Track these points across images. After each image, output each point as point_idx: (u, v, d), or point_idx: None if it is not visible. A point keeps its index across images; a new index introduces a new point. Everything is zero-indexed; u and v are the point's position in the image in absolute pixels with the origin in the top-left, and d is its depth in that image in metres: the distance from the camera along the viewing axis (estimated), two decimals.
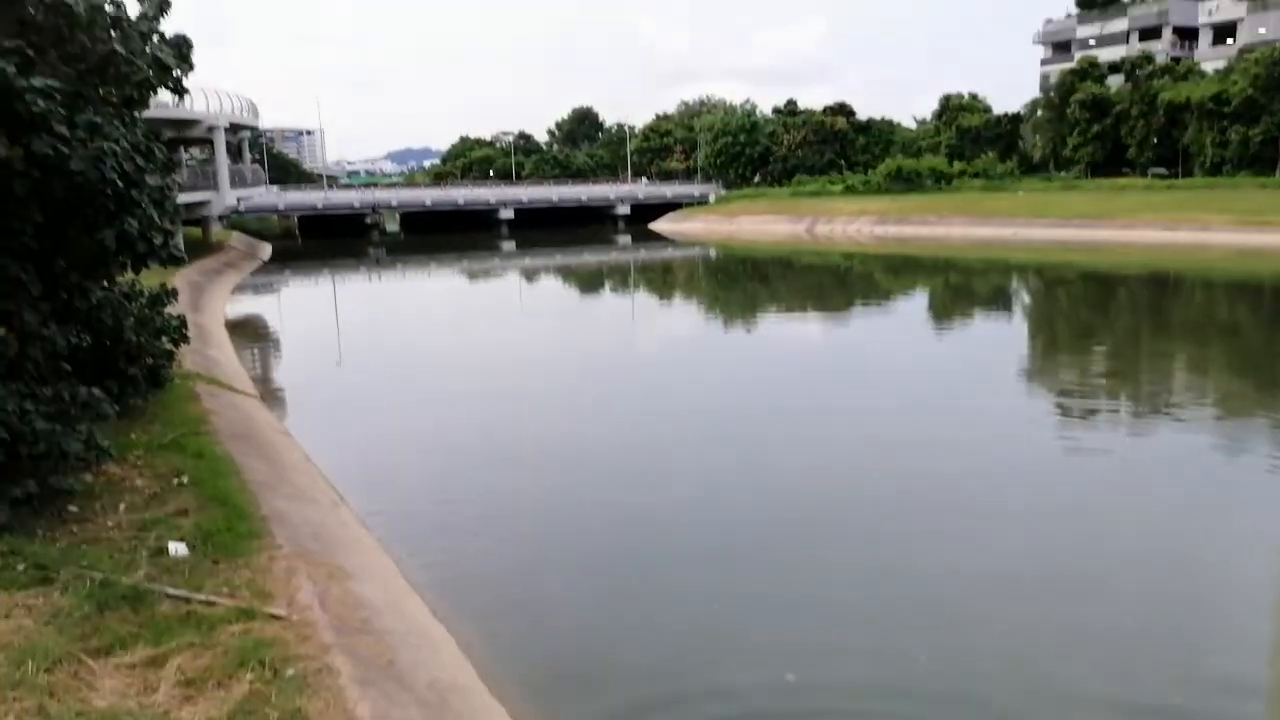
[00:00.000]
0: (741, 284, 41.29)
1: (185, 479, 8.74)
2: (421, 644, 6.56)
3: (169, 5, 9.57)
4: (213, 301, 28.75)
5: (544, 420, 15.08)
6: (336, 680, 5.18)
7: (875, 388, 17.24)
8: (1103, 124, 62.81)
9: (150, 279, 12.60)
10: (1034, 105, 71.51)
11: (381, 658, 5.83)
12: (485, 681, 6.35)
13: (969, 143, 73.32)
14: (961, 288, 37.32)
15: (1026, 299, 33.78)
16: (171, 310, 13.55)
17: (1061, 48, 78.82)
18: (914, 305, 32.44)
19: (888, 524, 9.97)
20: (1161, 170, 60.39)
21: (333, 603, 6.47)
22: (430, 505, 10.68)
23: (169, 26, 9.62)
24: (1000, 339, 24.40)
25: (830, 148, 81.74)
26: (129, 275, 10.75)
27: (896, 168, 68.96)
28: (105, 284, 10.20)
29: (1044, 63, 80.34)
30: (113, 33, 8.35)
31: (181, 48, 9.56)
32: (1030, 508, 10.38)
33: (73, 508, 7.69)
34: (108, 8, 8.51)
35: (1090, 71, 66.79)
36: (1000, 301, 32.85)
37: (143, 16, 9.29)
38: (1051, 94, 67.86)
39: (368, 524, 9.69)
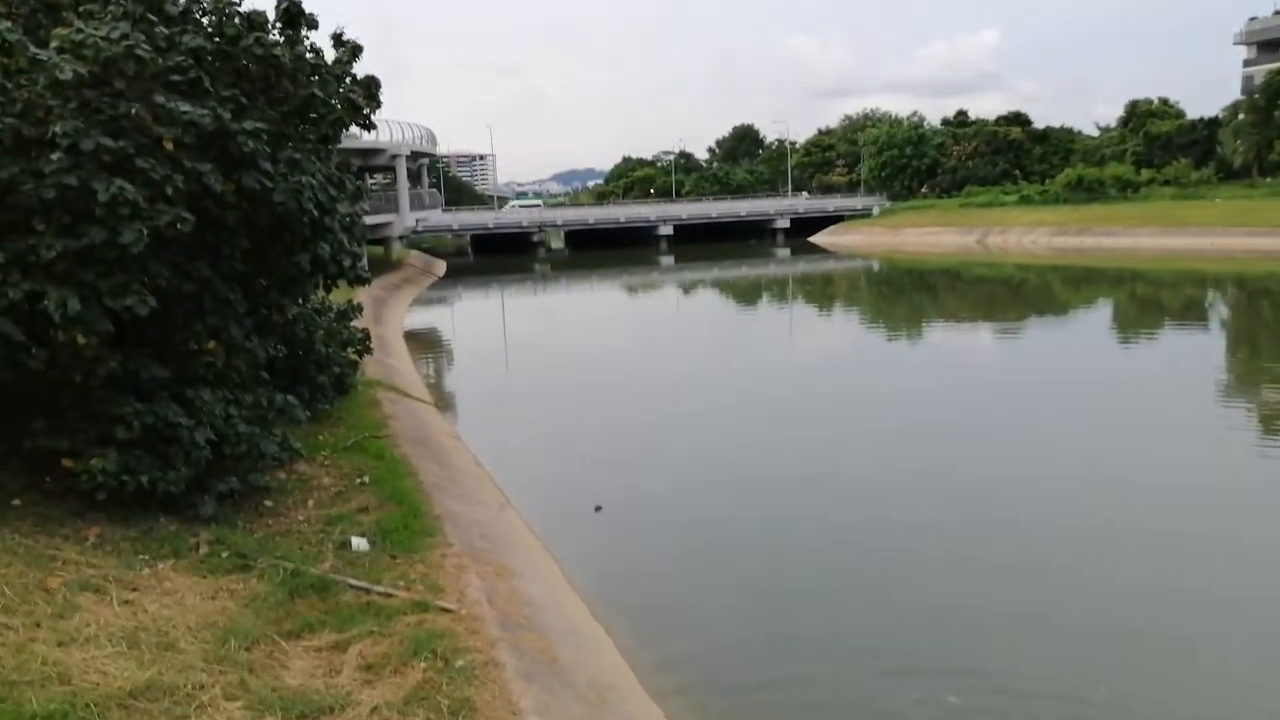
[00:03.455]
0: (907, 296, 40.08)
1: (366, 479, 9.39)
2: (582, 643, 6.78)
3: (361, 50, 10.47)
4: (392, 314, 30.62)
5: (705, 431, 15.16)
6: (502, 673, 5.43)
7: (1060, 407, 16.26)
8: None
9: (338, 294, 13.61)
10: (1235, 108, 65.83)
11: (544, 654, 6.06)
12: (643, 684, 6.48)
13: (1158, 150, 68.45)
14: (1150, 300, 34.75)
15: (1225, 312, 31.07)
16: (356, 323, 14.62)
17: (1268, 46, 72.23)
18: (1097, 319, 30.46)
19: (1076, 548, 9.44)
20: None
21: (499, 599, 6.79)
22: (591, 510, 10.95)
23: (359, 68, 10.49)
24: (1198, 353, 22.47)
25: (1004, 158, 78.43)
26: (320, 293, 11.68)
27: (1077, 177, 65.13)
28: (300, 301, 11.13)
29: (1247, 63, 73.87)
30: (313, 78, 9.17)
31: (370, 87, 10.39)
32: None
33: (268, 502, 8.41)
34: (308, 56, 9.40)
35: None
36: (1195, 315, 30.33)
37: (337, 61, 10.23)
38: (1256, 96, 62.28)
39: (532, 526, 10.08)
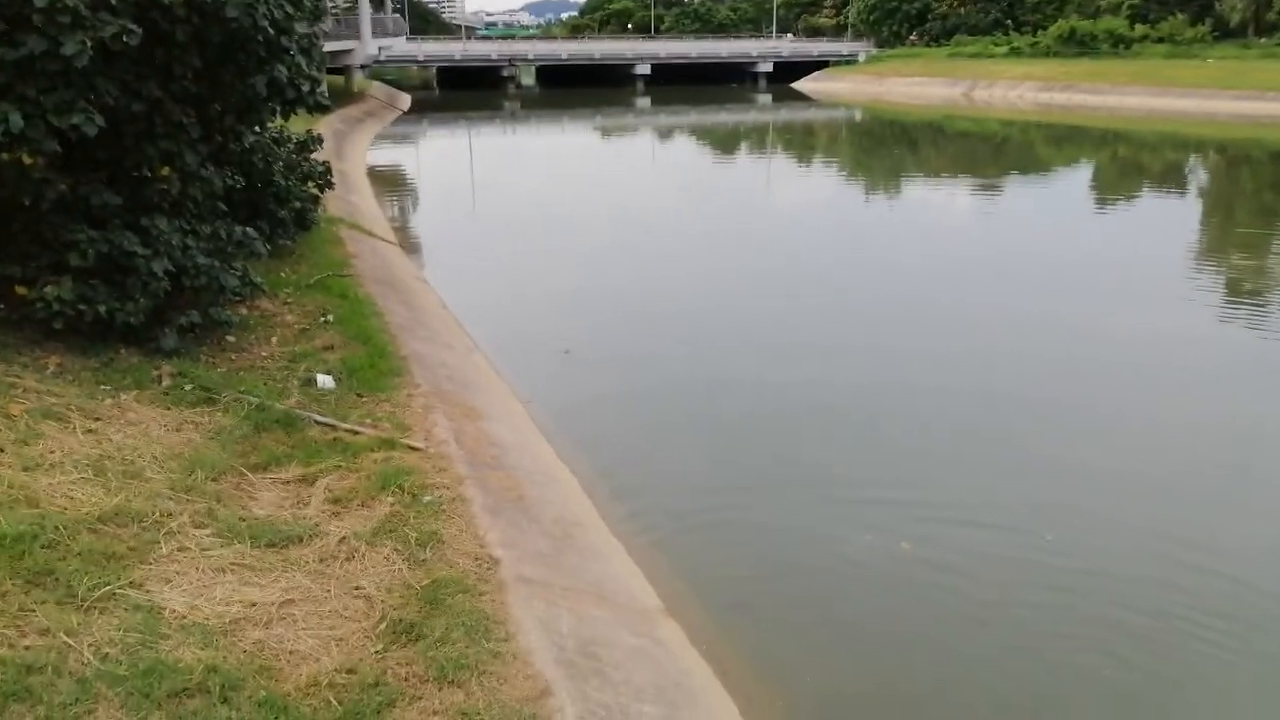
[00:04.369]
0: (887, 149, 39.40)
1: (331, 317, 9.25)
2: (548, 482, 6.90)
3: None
4: (355, 149, 29.63)
5: (673, 280, 15.08)
6: (469, 508, 5.53)
7: (1020, 270, 16.33)
8: None
9: (297, 125, 13.03)
10: None
11: (511, 492, 6.17)
12: (606, 520, 6.66)
13: (1155, 3, 66.22)
14: (1129, 162, 34.51)
15: (1202, 178, 30.96)
16: (317, 156, 14.06)
17: None
18: (1075, 180, 30.26)
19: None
20: None
21: (466, 439, 6.84)
22: (559, 355, 10.97)
23: None
24: (1164, 219, 22.53)
25: (996, 6, 75.71)
26: (278, 121, 11.14)
27: (1070, 29, 63.12)
28: (257, 129, 10.61)
29: None
30: None
31: None
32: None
33: (230, 338, 8.28)
34: None
35: None
36: (1169, 180, 30.21)
37: None
38: None
39: (499, 370, 10.09)
